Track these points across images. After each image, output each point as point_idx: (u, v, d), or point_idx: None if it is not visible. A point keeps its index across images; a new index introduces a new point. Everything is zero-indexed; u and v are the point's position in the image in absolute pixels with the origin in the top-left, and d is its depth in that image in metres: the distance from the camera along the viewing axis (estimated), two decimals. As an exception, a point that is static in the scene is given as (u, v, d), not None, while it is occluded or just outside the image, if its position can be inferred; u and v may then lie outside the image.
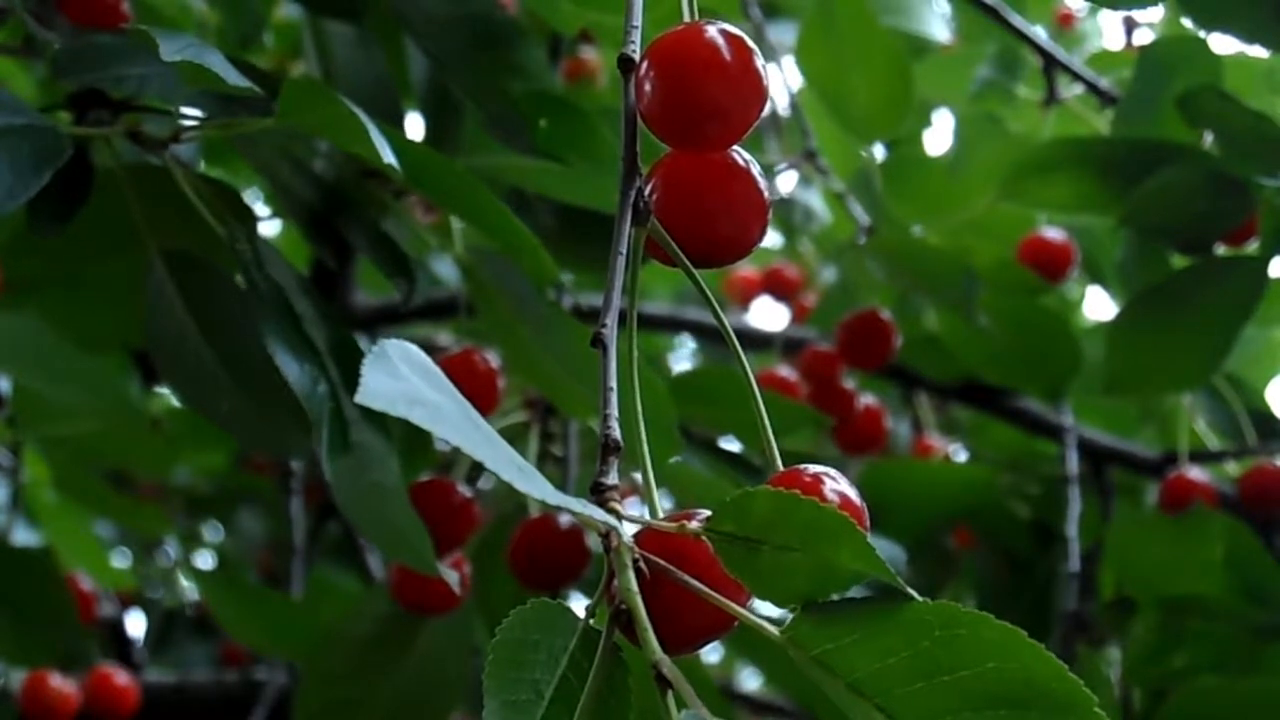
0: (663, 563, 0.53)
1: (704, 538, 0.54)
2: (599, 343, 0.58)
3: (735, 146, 0.63)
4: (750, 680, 2.10)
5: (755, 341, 1.67)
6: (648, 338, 1.89)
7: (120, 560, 2.01)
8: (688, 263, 0.61)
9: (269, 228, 1.66)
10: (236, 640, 1.67)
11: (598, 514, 0.51)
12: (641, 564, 0.53)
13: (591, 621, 0.53)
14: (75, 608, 1.30)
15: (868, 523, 0.56)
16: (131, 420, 1.33)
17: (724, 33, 0.61)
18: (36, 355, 1.23)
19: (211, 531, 2.18)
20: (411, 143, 0.81)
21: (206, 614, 1.86)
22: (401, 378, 0.46)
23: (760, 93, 0.61)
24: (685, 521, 0.54)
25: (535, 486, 0.48)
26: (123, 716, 1.39)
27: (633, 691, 0.53)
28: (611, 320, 0.58)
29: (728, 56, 0.60)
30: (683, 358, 2.16)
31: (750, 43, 0.61)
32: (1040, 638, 1.43)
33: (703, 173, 0.62)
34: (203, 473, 1.97)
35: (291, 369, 0.74)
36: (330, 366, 0.78)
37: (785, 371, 1.46)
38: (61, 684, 1.34)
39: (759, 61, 0.61)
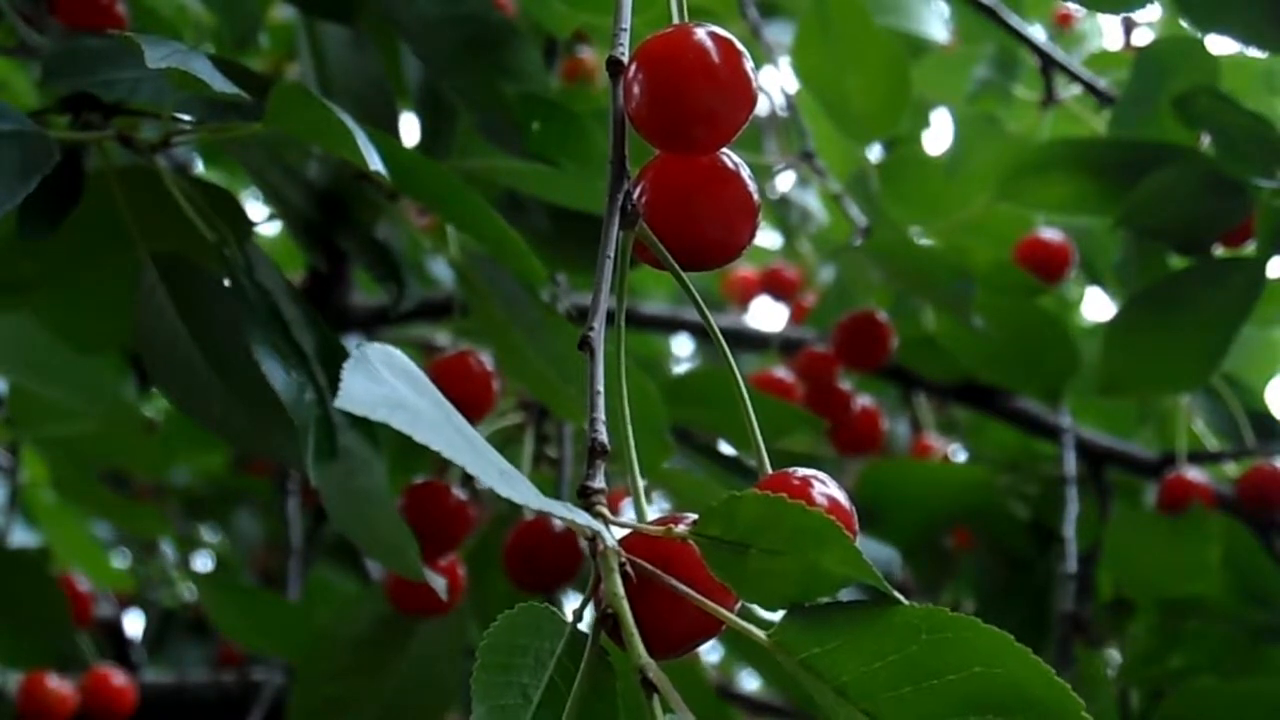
0: (649, 566, 0.53)
1: (691, 541, 0.53)
2: (586, 346, 0.57)
3: (725, 149, 0.62)
4: (750, 681, 2.10)
5: (753, 342, 1.67)
6: (646, 339, 1.88)
7: (119, 561, 2.01)
8: (676, 265, 0.61)
9: (269, 229, 1.65)
10: (233, 642, 1.67)
11: (582, 518, 0.51)
12: (628, 568, 0.53)
13: (579, 626, 0.53)
14: (70, 609, 1.30)
15: (856, 526, 0.56)
16: (128, 421, 1.33)
17: (712, 35, 0.61)
18: (33, 357, 1.23)
19: (209, 532, 2.18)
20: (400, 147, 0.81)
21: (204, 614, 1.86)
22: (382, 382, 0.46)
23: (749, 95, 0.61)
24: (672, 525, 0.54)
25: (518, 491, 0.47)
26: (120, 717, 1.39)
27: (620, 695, 0.53)
28: (599, 323, 0.58)
29: (716, 59, 0.60)
30: (685, 360, 2.16)
31: (739, 45, 0.61)
32: (1038, 638, 1.43)
33: (691, 175, 0.62)
34: (200, 474, 1.97)
35: (278, 376, 0.74)
36: (318, 372, 0.78)
37: (782, 373, 1.45)
38: (59, 684, 1.34)
39: (748, 64, 0.61)
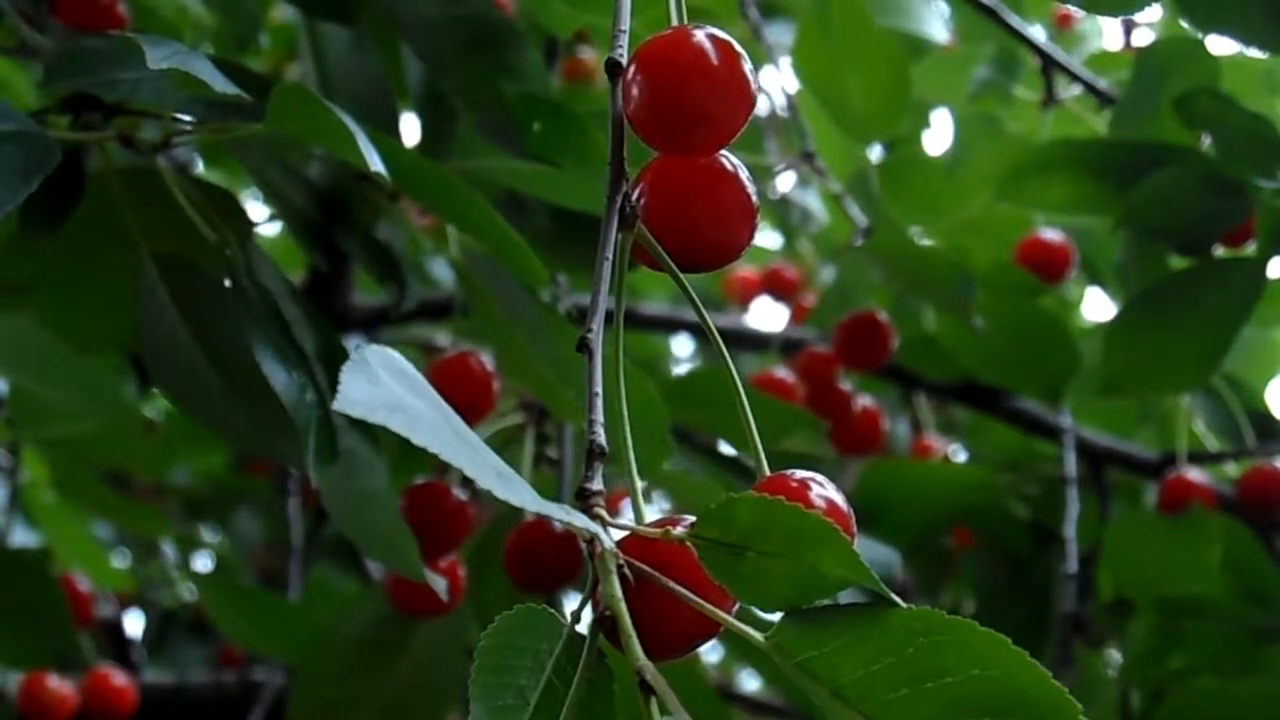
0: (647, 568, 0.53)
1: (689, 544, 0.53)
2: (584, 347, 0.57)
3: (724, 150, 0.62)
4: (750, 681, 2.10)
5: (754, 342, 1.67)
6: (646, 339, 1.88)
7: (119, 561, 2.02)
8: (674, 267, 0.61)
9: (269, 229, 1.66)
10: (234, 642, 1.67)
11: (580, 520, 0.51)
12: (626, 570, 0.53)
13: (577, 627, 0.53)
14: (70, 609, 1.30)
15: (854, 528, 0.56)
16: (128, 421, 1.33)
17: (711, 37, 0.61)
18: (33, 357, 1.23)
19: (209, 532, 2.18)
20: (401, 148, 0.81)
21: (204, 614, 1.86)
22: (381, 384, 0.46)
23: (748, 97, 0.61)
24: (670, 527, 0.54)
25: (515, 493, 0.47)
26: (121, 717, 1.39)
27: (617, 697, 0.53)
28: (597, 325, 0.58)
29: (715, 60, 0.60)
30: (685, 360, 2.16)
31: (738, 47, 0.61)
32: (1039, 639, 1.42)
33: (690, 177, 0.62)
34: (200, 474, 1.97)
35: (279, 376, 0.74)
36: (319, 373, 0.78)
37: (782, 373, 1.45)
38: (59, 684, 1.34)
39: (746, 65, 0.61)
